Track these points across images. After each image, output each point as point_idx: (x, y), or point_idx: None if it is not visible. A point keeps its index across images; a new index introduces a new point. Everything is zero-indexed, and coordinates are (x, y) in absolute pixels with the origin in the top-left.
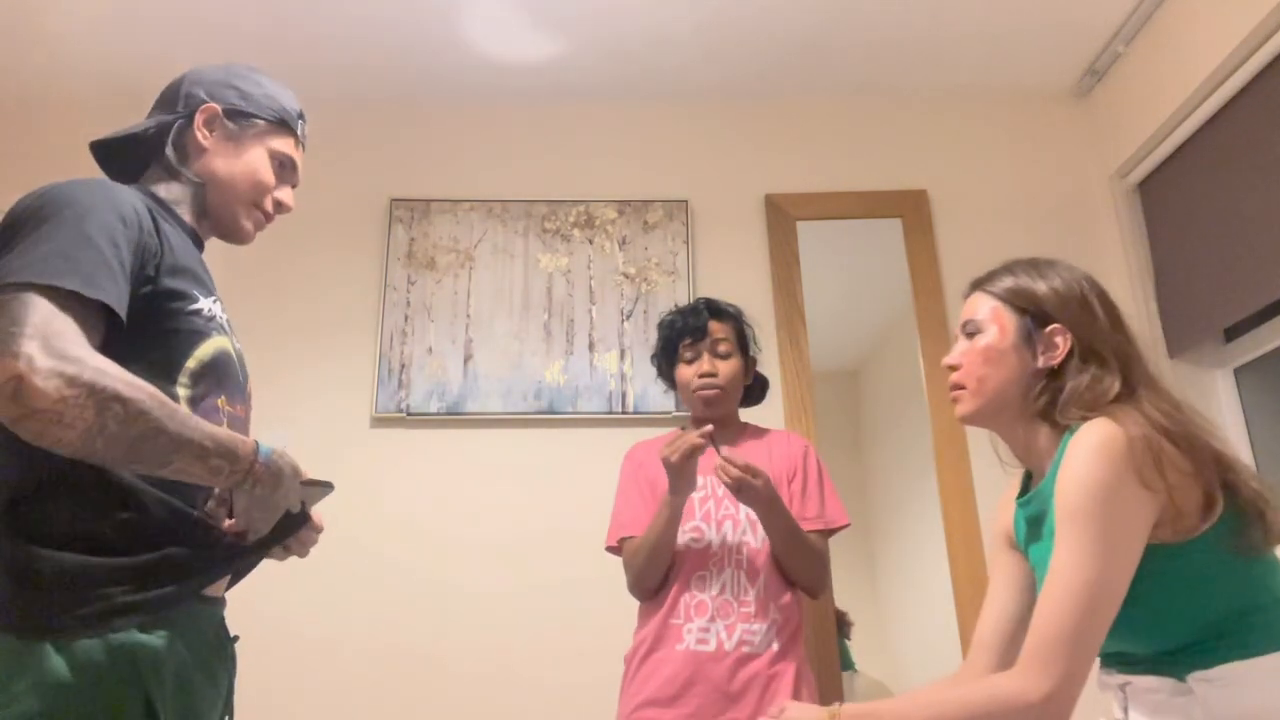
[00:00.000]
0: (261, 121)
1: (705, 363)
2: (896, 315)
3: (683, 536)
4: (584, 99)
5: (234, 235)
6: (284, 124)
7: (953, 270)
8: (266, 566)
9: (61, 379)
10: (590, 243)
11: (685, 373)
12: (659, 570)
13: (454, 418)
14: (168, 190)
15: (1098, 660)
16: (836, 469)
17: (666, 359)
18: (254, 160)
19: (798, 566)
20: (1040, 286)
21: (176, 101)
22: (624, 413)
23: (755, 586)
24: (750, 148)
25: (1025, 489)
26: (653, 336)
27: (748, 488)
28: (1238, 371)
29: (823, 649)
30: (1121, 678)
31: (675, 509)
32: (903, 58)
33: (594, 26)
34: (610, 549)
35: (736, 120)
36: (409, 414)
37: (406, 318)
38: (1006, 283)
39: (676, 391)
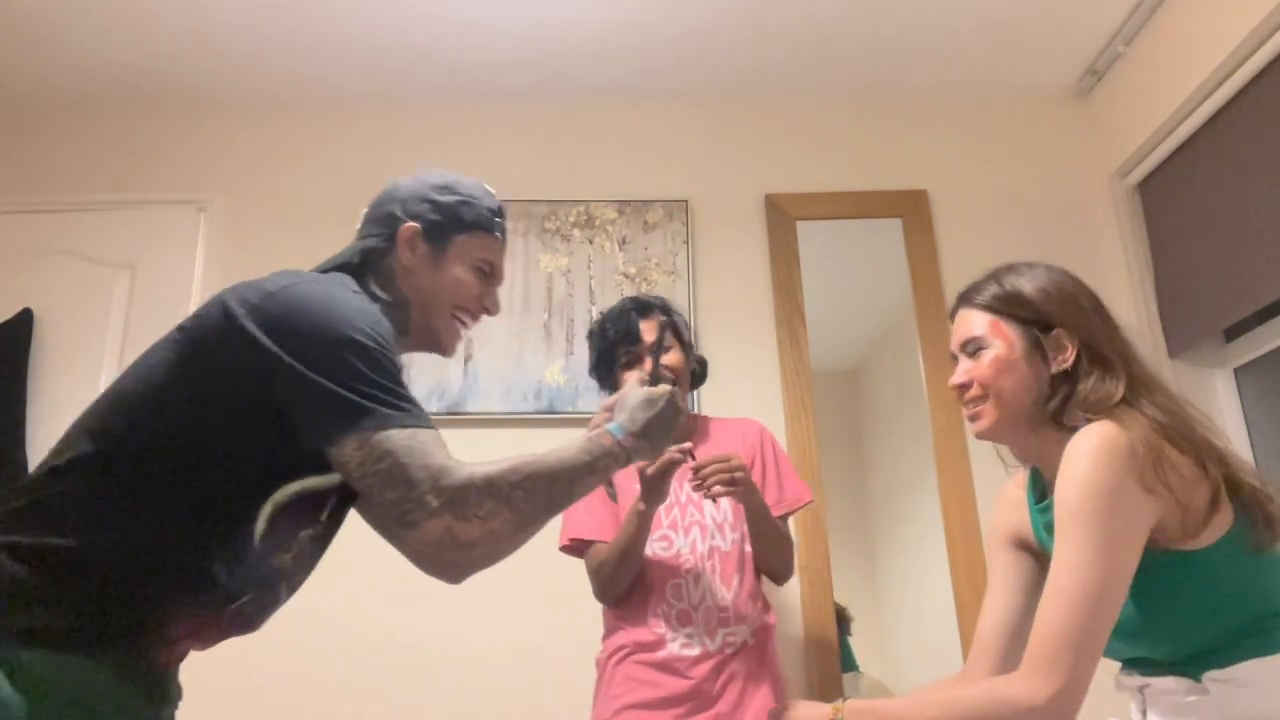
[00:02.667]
0: (461, 235)
1: (647, 364)
2: (896, 315)
3: (652, 544)
4: (584, 99)
5: (436, 348)
6: (482, 229)
7: (953, 270)
8: None
9: (474, 506)
10: (590, 243)
11: (629, 378)
12: (628, 577)
13: (454, 417)
14: (382, 307)
15: (1117, 662)
16: (836, 469)
17: (606, 368)
18: (457, 274)
19: (771, 551)
20: (1030, 291)
21: (381, 221)
22: None
23: (731, 589)
24: (750, 148)
25: (1043, 494)
26: None
27: (743, 481)
28: (1238, 371)
29: (823, 648)
30: (1141, 680)
31: (646, 519)
32: (903, 58)
33: (594, 26)
34: (564, 549)
35: (736, 120)
36: None
37: None
38: (995, 293)
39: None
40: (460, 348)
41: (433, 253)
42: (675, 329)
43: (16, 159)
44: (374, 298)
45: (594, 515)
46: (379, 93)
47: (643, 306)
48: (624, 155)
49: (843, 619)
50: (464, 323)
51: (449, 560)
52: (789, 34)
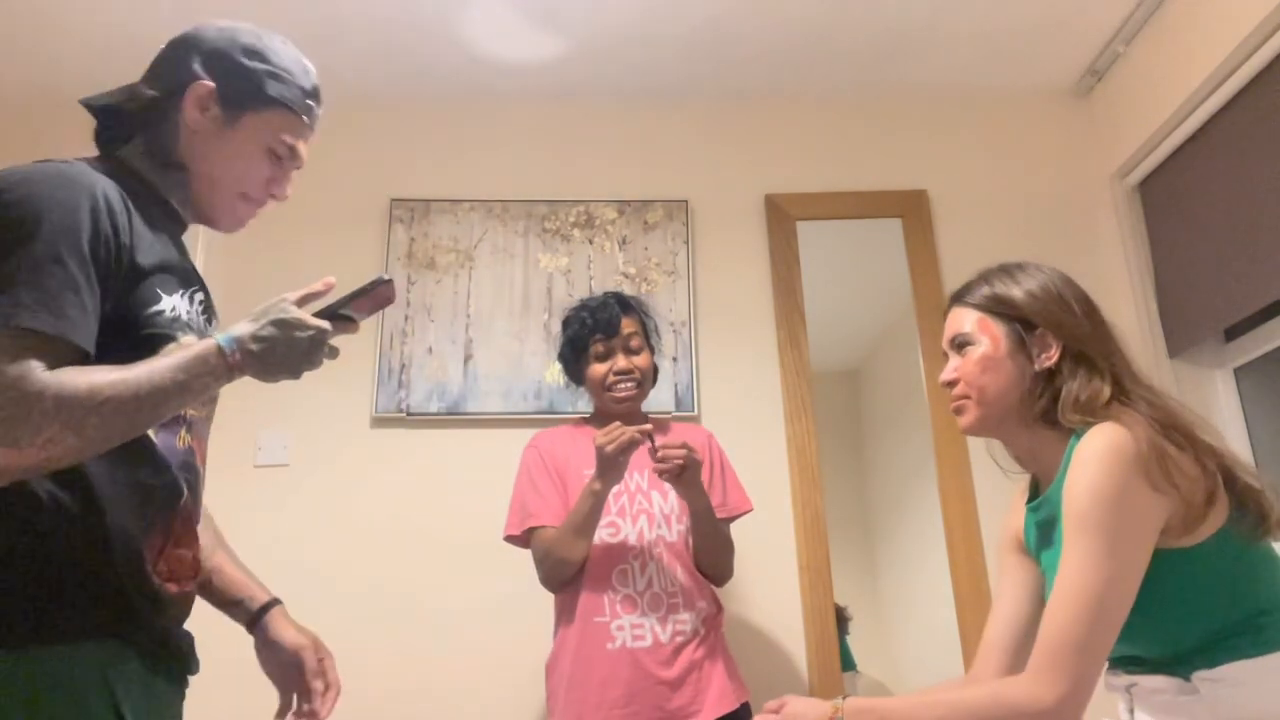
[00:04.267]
0: (261, 109)
1: (621, 359)
2: (896, 315)
3: (600, 531)
4: (584, 99)
5: (216, 226)
6: (286, 107)
7: (953, 270)
8: (263, 572)
9: (31, 433)
10: (590, 243)
11: (598, 370)
12: (579, 559)
13: (454, 418)
14: (149, 168)
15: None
16: (836, 469)
17: (575, 355)
18: (248, 150)
19: (713, 548)
20: (1017, 292)
21: (172, 69)
22: None
23: (679, 577)
24: (750, 148)
25: (1034, 494)
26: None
27: (692, 465)
28: (1238, 371)
29: (823, 648)
30: (1128, 679)
31: (600, 498)
32: (903, 58)
33: (594, 26)
34: (511, 538)
35: (736, 120)
36: (409, 414)
37: (406, 318)
38: (985, 292)
39: (582, 386)
40: (460, 348)
41: (225, 120)
42: (648, 332)
43: (16, 159)
44: (153, 153)
45: (546, 501)
46: (379, 93)
47: (624, 303)
48: (624, 155)
49: (842, 619)
50: (248, 209)
51: None
52: (789, 34)
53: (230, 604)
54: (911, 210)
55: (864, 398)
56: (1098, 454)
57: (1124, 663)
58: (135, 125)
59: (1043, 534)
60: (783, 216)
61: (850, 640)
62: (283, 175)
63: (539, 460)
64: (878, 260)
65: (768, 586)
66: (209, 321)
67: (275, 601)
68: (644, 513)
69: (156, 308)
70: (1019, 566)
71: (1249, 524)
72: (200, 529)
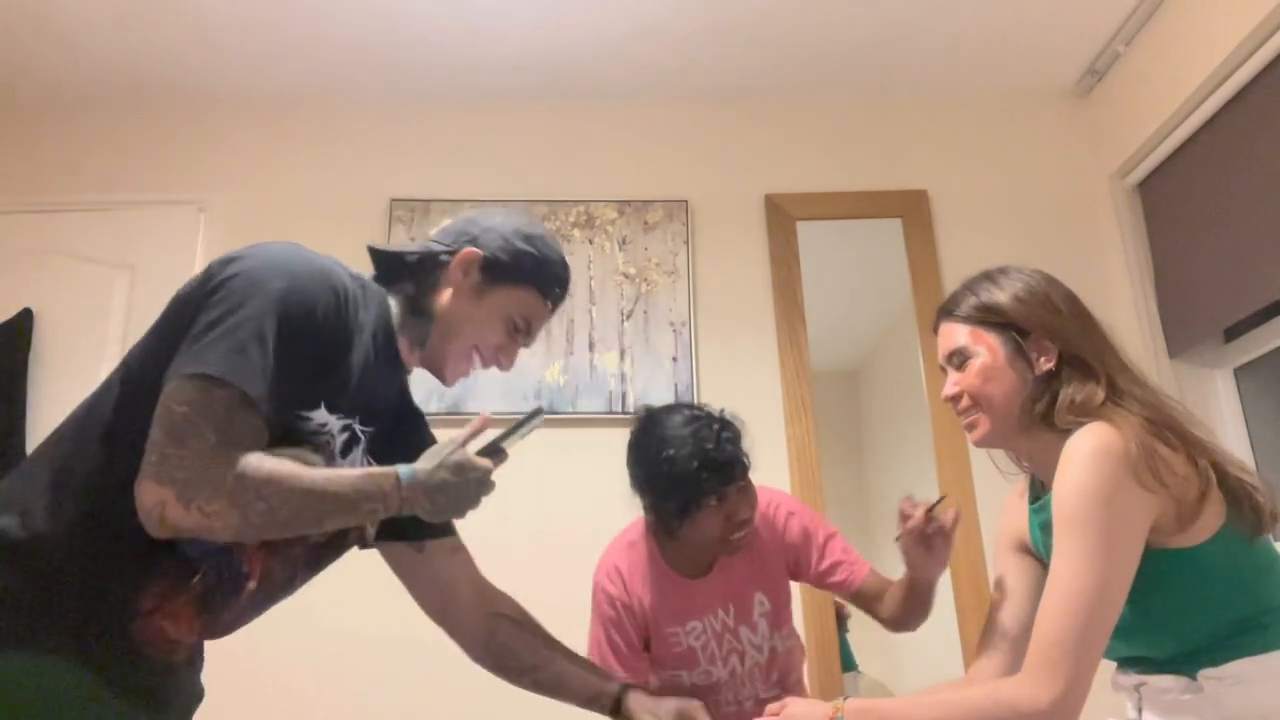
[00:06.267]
0: (514, 285)
1: (743, 507)
2: (896, 315)
3: (689, 675)
4: (584, 99)
5: (441, 376)
6: (537, 287)
7: (953, 270)
8: None
9: (202, 500)
10: (590, 243)
11: (712, 519)
12: None
13: (454, 417)
14: (398, 310)
15: (1113, 662)
16: (836, 469)
17: (685, 500)
18: (490, 317)
19: (920, 614)
20: (1003, 298)
21: (456, 235)
22: (624, 412)
23: (772, 687)
24: (750, 148)
25: (1036, 495)
26: (653, 337)
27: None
28: (1238, 371)
29: (823, 648)
30: (1137, 678)
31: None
32: (903, 58)
33: (594, 26)
34: None
35: (736, 120)
36: None
37: None
38: (972, 303)
39: (680, 533)
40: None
41: (480, 286)
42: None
43: (16, 159)
44: (410, 299)
45: (632, 669)
46: (379, 93)
47: (738, 441)
48: (624, 155)
49: (842, 618)
50: (468, 367)
51: (147, 523)
52: (789, 34)
53: (589, 701)
54: (911, 210)
55: (864, 398)
56: (1085, 454)
57: (1132, 663)
58: (406, 272)
59: (1046, 535)
60: (783, 216)
61: (850, 640)
62: (512, 348)
63: (610, 614)
64: (878, 260)
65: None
66: (359, 460)
67: (627, 685)
68: (734, 651)
69: (308, 413)
70: (1017, 566)
71: (1247, 522)
72: (479, 646)
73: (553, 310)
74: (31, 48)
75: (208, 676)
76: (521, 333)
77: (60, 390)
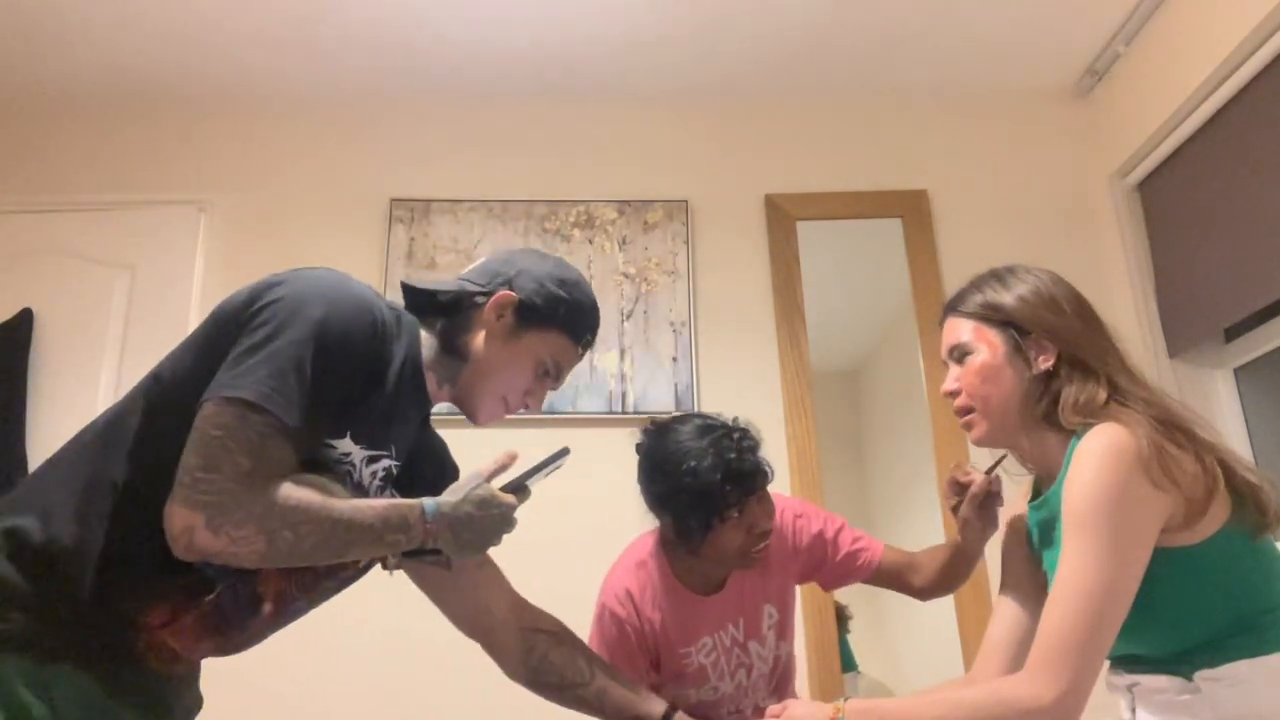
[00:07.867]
0: (547, 329)
1: (764, 518)
2: (896, 315)
3: (698, 694)
4: (584, 99)
5: (473, 416)
6: (568, 333)
7: (953, 270)
8: None
9: (232, 527)
10: (590, 243)
11: (734, 532)
12: None
13: (454, 417)
14: (430, 347)
15: (1106, 661)
16: (836, 469)
17: (707, 513)
18: (521, 361)
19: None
20: (1008, 297)
21: (491, 276)
22: (624, 412)
23: (773, 694)
24: (750, 148)
25: (1037, 493)
26: (653, 337)
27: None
28: (1238, 371)
29: (823, 648)
30: (1130, 678)
31: None
32: (903, 58)
33: (594, 26)
34: None
35: (736, 120)
36: None
37: None
38: (978, 300)
39: (701, 549)
40: None
41: (513, 329)
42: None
43: (16, 159)
44: (443, 336)
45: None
46: (379, 93)
47: (758, 450)
48: (624, 155)
49: (842, 618)
50: (501, 409)
51: (175, 546)
52: (789, 34)
53: None
54: (911, 210)
55: (864, 398)
56: (1098, 453)
57: (1126, 662)
58: (439, 309)
59: (1043, 534)
60: (783, 216)
61: (850, 640)
62: (540, 391)
63: (623, 633)
64: (878, 260)
65: None
66: (382, 490)
67: (673, 707)
68: (742, 666)
69: (332, 440)
70: (1022, 566)
71: (1250, 521)
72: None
73: (582, 355)
74: (31, 48)
75: (205, 685)
76: (551, 376)
77: (60, 390)
